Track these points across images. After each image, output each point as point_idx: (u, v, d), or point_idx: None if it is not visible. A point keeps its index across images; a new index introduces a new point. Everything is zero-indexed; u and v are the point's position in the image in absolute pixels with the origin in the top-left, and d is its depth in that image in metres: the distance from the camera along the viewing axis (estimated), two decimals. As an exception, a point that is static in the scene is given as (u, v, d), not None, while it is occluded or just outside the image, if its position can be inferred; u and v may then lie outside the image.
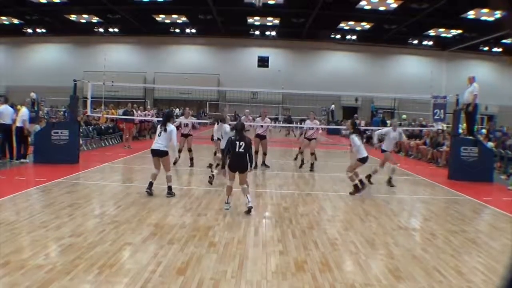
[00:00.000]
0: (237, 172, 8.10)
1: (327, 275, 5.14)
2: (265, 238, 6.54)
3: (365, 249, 6.21)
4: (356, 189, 10.25)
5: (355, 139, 10.25)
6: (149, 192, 9.14)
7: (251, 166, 8.30)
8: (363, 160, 10.24)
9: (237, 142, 7.93)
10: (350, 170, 10.38)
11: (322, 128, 18.35)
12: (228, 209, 8.11)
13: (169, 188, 9.30)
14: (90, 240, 6.02)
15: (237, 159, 7.98)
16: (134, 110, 21.49)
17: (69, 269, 4.92)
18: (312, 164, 14.07)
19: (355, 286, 4.86)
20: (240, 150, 7.92)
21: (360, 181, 10.40)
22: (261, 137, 14.18)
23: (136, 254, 5.59)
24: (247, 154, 8.04)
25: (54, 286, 4.48)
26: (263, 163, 14.15)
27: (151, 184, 9.22)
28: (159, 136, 9.31)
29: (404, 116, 28.75)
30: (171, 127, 9.37)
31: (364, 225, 7.61)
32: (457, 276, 5.28)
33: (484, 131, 22.97)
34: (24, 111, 13.77)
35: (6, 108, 13.39)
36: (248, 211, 7.96)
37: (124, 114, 20.33)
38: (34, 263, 5.07)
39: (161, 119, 11.11)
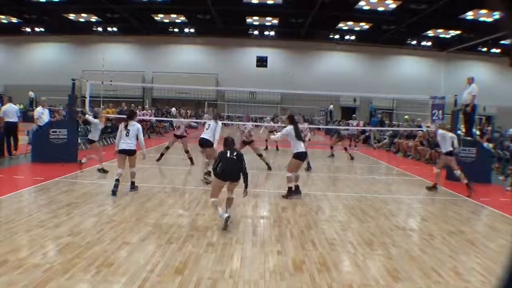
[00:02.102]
0: (228, 183, 7.09)
1: (325, 275, 5.15)
2: (263, 238, 6.55)
3: (363, 249, 6.21)
4: (289, 193, 9.65)
5: (288, 129, 9.70)
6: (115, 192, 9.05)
7: (246, 186, 7.20)
8: (299, 156, 9.68)
9: (228, 151, 7.05)
10: (289, 170, 9.77)
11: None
12: (229, 216, 6.95)
13: (132, 183, 9.67)
14: (88, 239, 6.02)
15: (230, 165, 6.94)
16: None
17: (67, 268, 4.92)
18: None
19: (352, 287, 4.87)
20: (233, 156, 6.98)
21: (297, 186, 9.78)
22: (247, 143, 13.94)
23: (134, 254, 5.59)
24: (243, 173, 7.08)
25: (51, 285, 4.48)
26: None
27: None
28: (126, 135, 9.45)
29: (406, 116, 28.81)
30: (136, 125, 9.59)
31: (362, 225, 7.61)
32: (454, 276, 5.29)
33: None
34: (45, 112, 14.89)
35: (11, 107, 14.19)
36: (225, 226, 6.92)
37: (119, 114, 20.35)
38: (32, 262, 5.07)
39: (161, 118, 11.47)
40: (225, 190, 7.26)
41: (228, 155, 7.00)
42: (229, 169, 6.93)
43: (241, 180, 7.11)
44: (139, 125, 9.68)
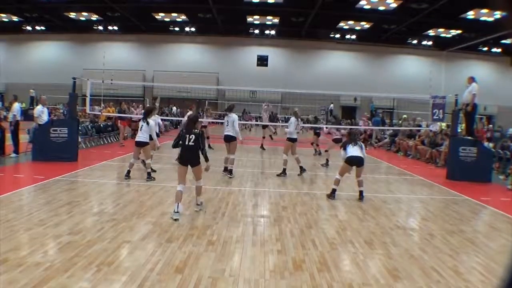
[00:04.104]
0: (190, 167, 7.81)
1: (325, 275, 5.15)
2: (263, 237, 6.55)
3: (363, 249, 6.22)
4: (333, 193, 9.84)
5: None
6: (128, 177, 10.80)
7: (206, 160, 7.87)
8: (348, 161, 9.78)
9: (187, 136, 7.61)
10: (339, 172, 9.99)
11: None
12: (177, 219, 7.23)
13: (148, 173, 11.00)
14: (89, 238, 6.02)
15: (188, 152, 7.66)
16: (132, 108, 21.55)
17: (68, 267, 4.93)
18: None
19: (353, 286, 4.87)
20: (190, 143, 7.59)
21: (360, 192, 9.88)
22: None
23: (135, 252, 5.59)
24: (200, 149, 7.70)
25: (52, 283, 4.48)
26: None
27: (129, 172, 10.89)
28: (141, 130, 10.96)
29: (404, 116, 28.79)
30: (150, 122, 10.97)
31: (362, 225, 7.61)
32: (455, 276, 5.29)
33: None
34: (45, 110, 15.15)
35: (18, 106, 14.79)
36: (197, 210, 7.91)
37: (119, 113, 20.36)
38: (32, 260, 5.07)
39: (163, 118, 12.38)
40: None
41: (186, 141, 7.62)
42: (186, 155, 7.71)
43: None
44: (152, 123, 10.99)
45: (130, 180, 10.57)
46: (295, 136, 12.70)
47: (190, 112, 14.75)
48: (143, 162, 11.75)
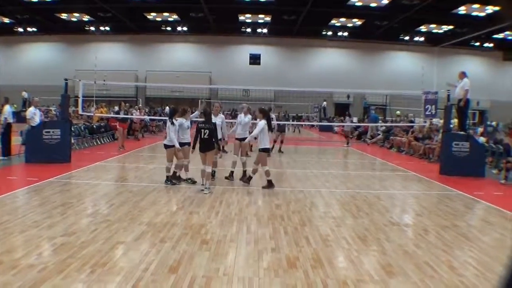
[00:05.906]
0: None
1: (319, 271, 5.16)
2: (257, 236, 6.55)
3: (357, 245, 6.23)
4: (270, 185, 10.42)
5: (262, 123, 10.30)
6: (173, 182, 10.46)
7: (219, 150, 10.14)
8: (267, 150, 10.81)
9: (202, 130, 9.58)
10: (256, 163, 10.62)
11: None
12: (206, 193, 9.38)
13: (167, 177, 10.57)
14: (83, 239, 6.01)
15: (203, 143, 9.65)
16: (133, 110, 21.53)
17: (62, 268, 4.91)
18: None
19: (347, 282, 4.88)
20: (205, 136, 9.58)
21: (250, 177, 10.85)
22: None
23: (129, 253, 5.59)
24: (213, 138, 9.67)
25: (46, 285, 4.46)
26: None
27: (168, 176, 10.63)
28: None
29: (398, 112, 28.89)
30: (168, 122, 10.65)
31: (356, 221, 7.63)
32: (449, 271, 5.31)
33: (480, 129, 22.92)
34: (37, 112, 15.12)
35: (10, 108, 14.70)
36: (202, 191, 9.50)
37: (117, 114, 20.26)
38: (26, 262, 5.05)
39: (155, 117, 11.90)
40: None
41: (202, 135, 9.58)
42: (203, 145, 9.63)
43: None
44: (169, 123, 10.51)
45: (125, 181, 10.51)
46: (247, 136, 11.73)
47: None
48: (183, 166, 10.79)
